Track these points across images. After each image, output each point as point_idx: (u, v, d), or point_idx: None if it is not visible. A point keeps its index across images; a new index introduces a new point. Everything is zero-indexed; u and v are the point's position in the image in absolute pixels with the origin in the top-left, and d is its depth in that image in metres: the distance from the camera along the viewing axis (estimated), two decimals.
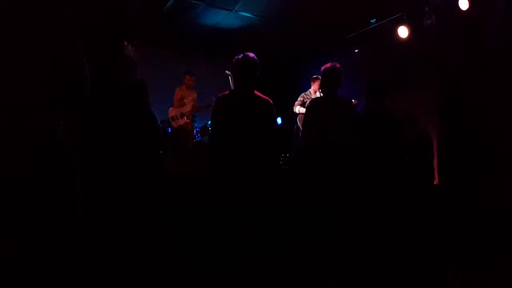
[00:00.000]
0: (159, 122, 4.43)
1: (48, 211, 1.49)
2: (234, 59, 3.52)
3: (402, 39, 7.04)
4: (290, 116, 7.05)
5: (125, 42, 5.20)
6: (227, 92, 3.63)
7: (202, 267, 3.54)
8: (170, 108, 7.06)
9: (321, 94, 6.34)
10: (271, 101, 3.56)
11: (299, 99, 6.75)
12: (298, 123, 6.78)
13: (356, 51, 8.26)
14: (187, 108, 6.92)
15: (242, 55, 3.50)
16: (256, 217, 3.40)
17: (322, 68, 4.06)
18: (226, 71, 5.65)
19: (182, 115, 6.93)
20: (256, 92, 3.54)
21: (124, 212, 3.65)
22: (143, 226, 3.69)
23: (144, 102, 4.18)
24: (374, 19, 7.46)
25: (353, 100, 4.66)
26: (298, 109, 6.69)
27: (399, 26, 7.04)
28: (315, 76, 6.70)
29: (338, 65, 3.98)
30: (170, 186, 4.20)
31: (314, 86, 6.69)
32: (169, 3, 6.76)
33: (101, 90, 4.03)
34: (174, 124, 6.99)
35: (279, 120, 7.85)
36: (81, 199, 1.62)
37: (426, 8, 6.67)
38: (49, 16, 1.49)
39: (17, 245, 1.46)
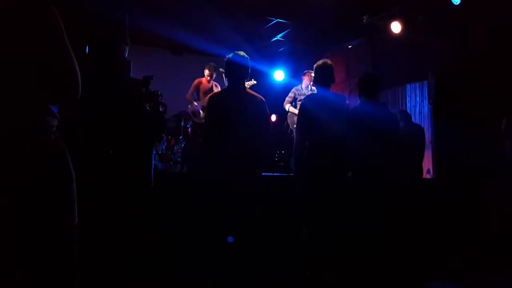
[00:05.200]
0: (162, 119, 4.40)
1: (44, 214, 1.49)
2: (225, 58, 3.54)
3: (395, 34, 7.04)
4: (282, 112, 7.05)
5: (118, 41, 5.17)
6: (219, 91, 3.65)
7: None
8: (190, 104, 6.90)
9: (312, 89, 6.39)
10: (264, 99, 3.57)
11: (290, 94, 6.78)
12: (288, 120, 6.81)
13: (349, 47, 8.27)
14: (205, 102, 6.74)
15: (232, 53, 3.52)
16: (249, 215, 3.42)
17: (315, 65, 4.07)
18: (220, 69, 5.64)
19: (203, 108, 6.63)
20: (249, 90, 3.56)
21: (118, 213, 3.66)
22: (137, 226, 3.70)
23: (140, 101, 4.17)
24: (367, 15, 7.46)
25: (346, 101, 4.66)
26: (288, 107, 6.72)
27: (392, 22, 7.04)
28: (305, 71, 6.73)
29: (330, 62, 3.99)
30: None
31: (305, 81, 6.73)
32: None
33: (94, 90, 4.03)
34: (196, 119, 6.80)
35: (273, 117, 7.84)
36: (77, 201, 1.62)
37: (419, 4, 6.70)
38: (36, 17, 1.48)
39: (14, 248, 1.46)
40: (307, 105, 3.93)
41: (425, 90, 7.37)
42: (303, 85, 6.77)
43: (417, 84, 7.54)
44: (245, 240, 3.40)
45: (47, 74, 1.49)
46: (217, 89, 6.75)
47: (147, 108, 4.24)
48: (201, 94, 6.82)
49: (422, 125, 6.69)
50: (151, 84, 4.36)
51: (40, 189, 1.47)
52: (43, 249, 1.49)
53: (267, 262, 3.87)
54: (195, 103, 6.77)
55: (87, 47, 4.15)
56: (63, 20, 1.55)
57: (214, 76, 6.78)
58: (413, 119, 6.30)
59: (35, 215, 1.46)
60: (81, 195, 1.67)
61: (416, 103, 7.46)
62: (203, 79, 6.82)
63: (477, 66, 5.96)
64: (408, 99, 7.58)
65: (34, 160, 1.46)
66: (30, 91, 1.46)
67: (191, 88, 6.88)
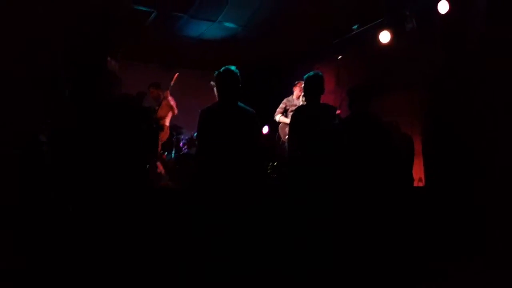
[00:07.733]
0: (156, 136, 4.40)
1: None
2: (216, 73, 3.57)
3: (385, 44, 7.09)
4: (273, 123, 7.07)
5: (108, 57, 5.20)
6: (211, 105, 3.67)
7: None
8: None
9: (303, 100, 6.44)
10: (255, 112, 3.60)
11: (281, 105, 6.82)
12: (280, 131, 6.83)
13: (339, 57, 8.31)
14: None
15: (223, 68, 3.54)
16: (243, 226, 3.42)
17: (305, 76, 4.10)
18: (211, 82, 5.65)
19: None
20: (240, 104, 3.57)
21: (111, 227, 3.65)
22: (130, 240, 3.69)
23: (133, 118, 4.18)
24: (357, 25, 7.54)
25: (337, 111, 4.69)
26: (279, 117, 6.76)
27: (381, 31, 7.09)
28: (296, 81, 6.78)
29: (320, 73, 4.04)
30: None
31: (296, 92, 6.77)
32: (151, 16, 6.79)
33: (85, 106, 4.04)
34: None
35: (265, 129, 7.85)
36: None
37: (407, 13, 6.76)
38: (32, 28, 1.50)
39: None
40: (297, 117, 3.97)
41: (416, 98, 7.40)
42: (294, 96, 6.81)
43: (408, 92, 7.58)
44: (241, 250, 3.41)
45: (37, 82, 1.50)
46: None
47: (141, 126, 4.25)
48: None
49: (414, 134, 6.72)
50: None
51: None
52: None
53: (263, 270, 3.86)
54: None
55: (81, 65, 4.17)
56: (55, 35, 1.57)
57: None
58: (403, 128, 6.34)
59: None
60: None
61: (407, 112, 7.49)
62: None
63: (469, 74, 6.01)
64: (398, 107, 7.60)
65: (23, 174, 1.47)
66: (20, 107, 1.48)
67: None
